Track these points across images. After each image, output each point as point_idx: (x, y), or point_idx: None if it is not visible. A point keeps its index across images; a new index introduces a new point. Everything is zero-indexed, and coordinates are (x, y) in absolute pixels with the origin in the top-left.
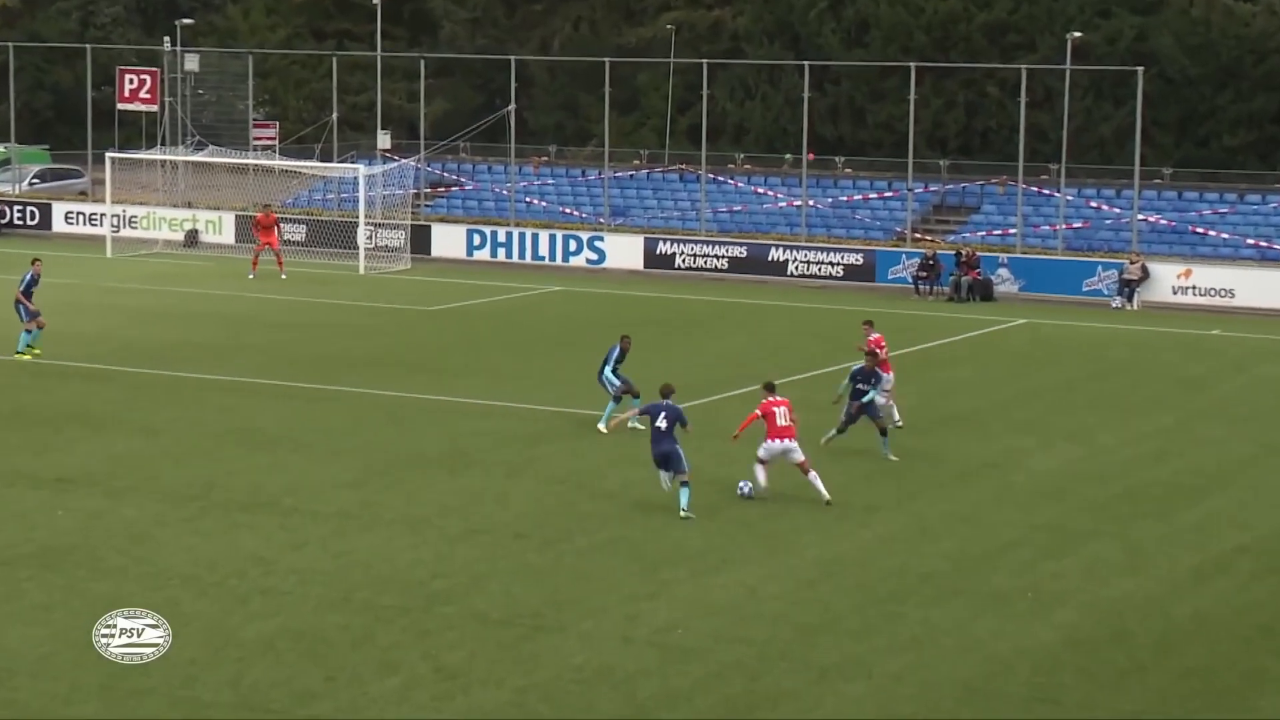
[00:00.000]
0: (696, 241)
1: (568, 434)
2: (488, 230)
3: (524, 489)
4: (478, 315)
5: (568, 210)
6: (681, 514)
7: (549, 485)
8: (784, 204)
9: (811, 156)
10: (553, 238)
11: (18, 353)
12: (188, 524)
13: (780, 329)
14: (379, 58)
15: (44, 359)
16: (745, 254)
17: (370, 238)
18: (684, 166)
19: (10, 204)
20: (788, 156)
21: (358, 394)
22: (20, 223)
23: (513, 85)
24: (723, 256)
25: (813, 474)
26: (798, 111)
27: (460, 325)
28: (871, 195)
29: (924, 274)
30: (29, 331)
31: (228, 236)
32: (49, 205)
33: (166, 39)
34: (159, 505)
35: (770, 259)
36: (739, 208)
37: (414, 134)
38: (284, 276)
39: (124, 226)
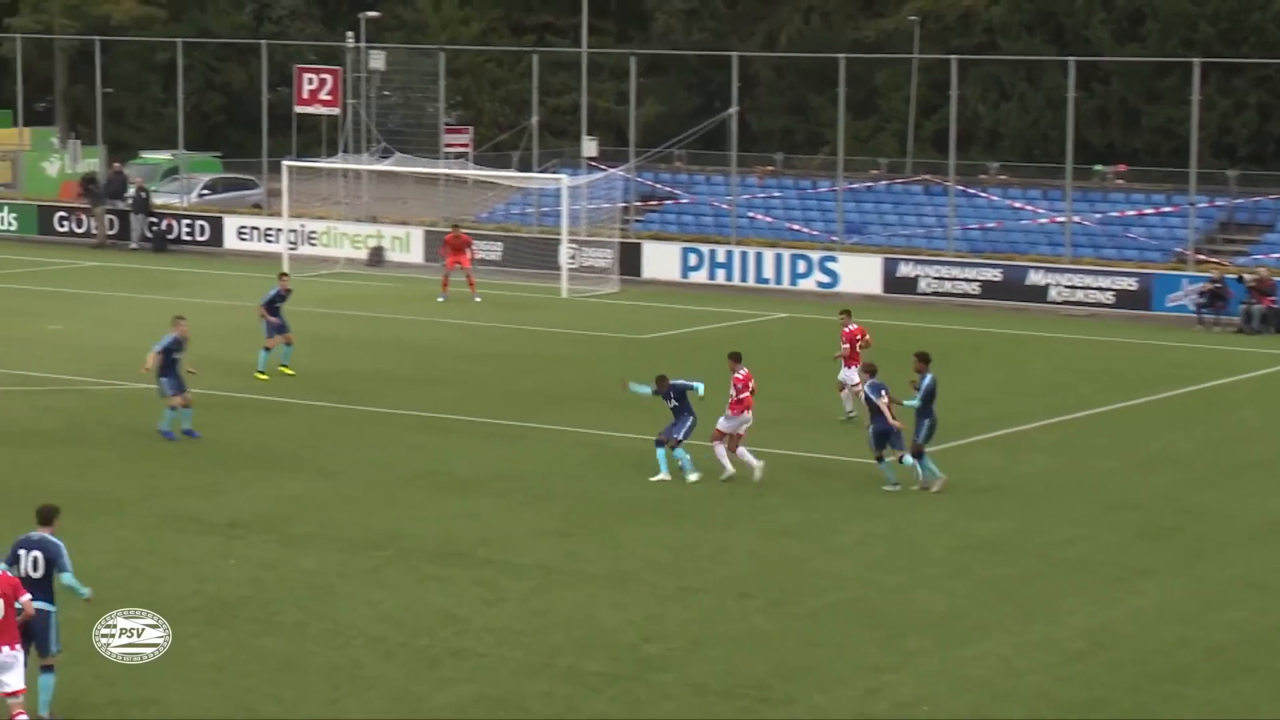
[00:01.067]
0: (943, 263)
1: (795, 480)
2: (705, 249)
3: (746, 542)
4: (694, 345)
5: (796, 227)
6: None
7: (775, 539)
8: (1045, 220)
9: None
10: (779, 258)
11: (258, 372)
12: (371, 576)
13: (1042, 364)
14: (584, 54)
15: (208, 388)
16: (1000, 277)
17: (574, 257)
18: (929, 177)
19: (178, 218)
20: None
21: (560, 432)
22: (189, 238)
23: (734, 85)
24: (974, 280)
25: (743, 449)
26: (1061, 114)
27: (674, 356)
28: (1147, 211)
29: (1209, 301)
30: (267, 350)
31: (415, 254)
32: (220, 219)
33: (349, 34)
34: (339, 555)
35: (1029, 283)
36: (992, 224)
37: (623, 140)
38: (478, 299)
39: (302, 243)
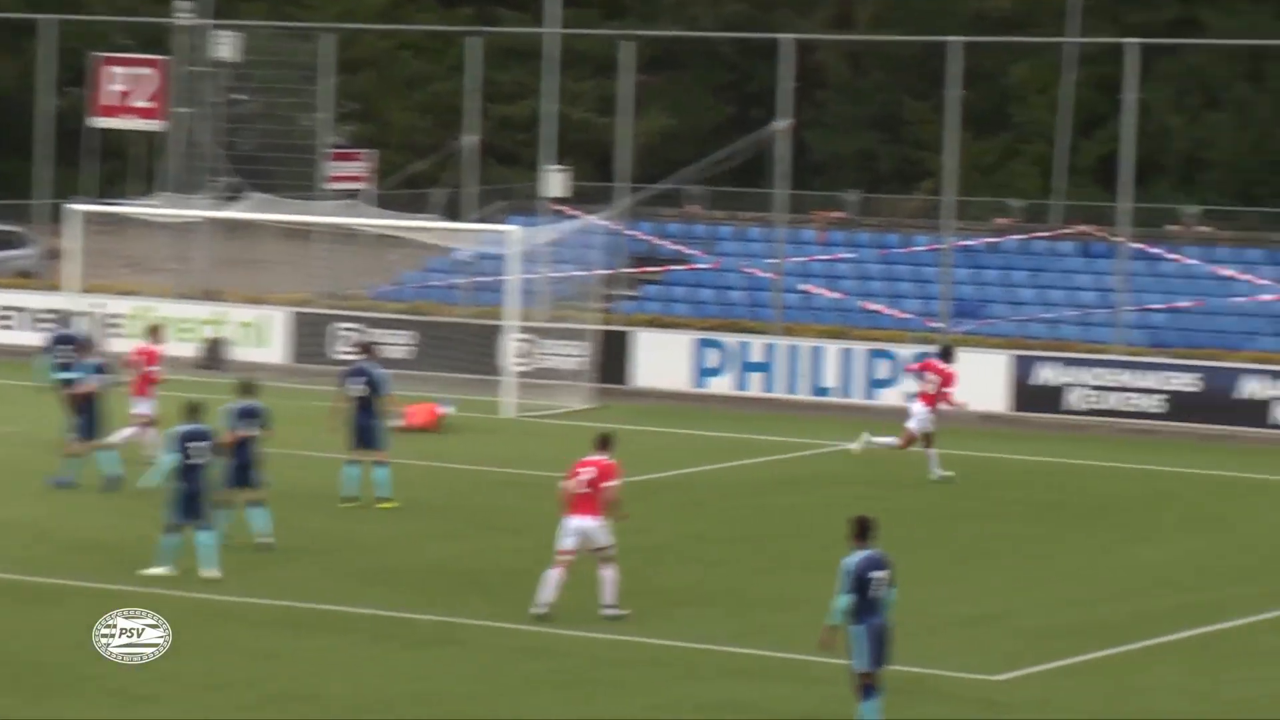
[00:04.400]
0: (1108, 363)
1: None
2: (733, 342)
3: None
4: (713, 494)
5: (876, 307)
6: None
7: None
8: (1270, 298)
9: None
10: (846, 356)
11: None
12: None
13: (1267, 525)
14: (551, 37)
15: None
16: (1199, 386)
17: (526, 355)
18: (1087, 229)
19: None
20: None
21: (481, 630)
22: None
23: (786, 86)
24: (1158, 391)
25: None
26: None
27: (680, 512)
28: None
29: None
30: None
31: (276, 350)
32: None
33: (182, 3)
34: None
35: (1243, 396)
36: (1187, 303)
37: (607, 171)
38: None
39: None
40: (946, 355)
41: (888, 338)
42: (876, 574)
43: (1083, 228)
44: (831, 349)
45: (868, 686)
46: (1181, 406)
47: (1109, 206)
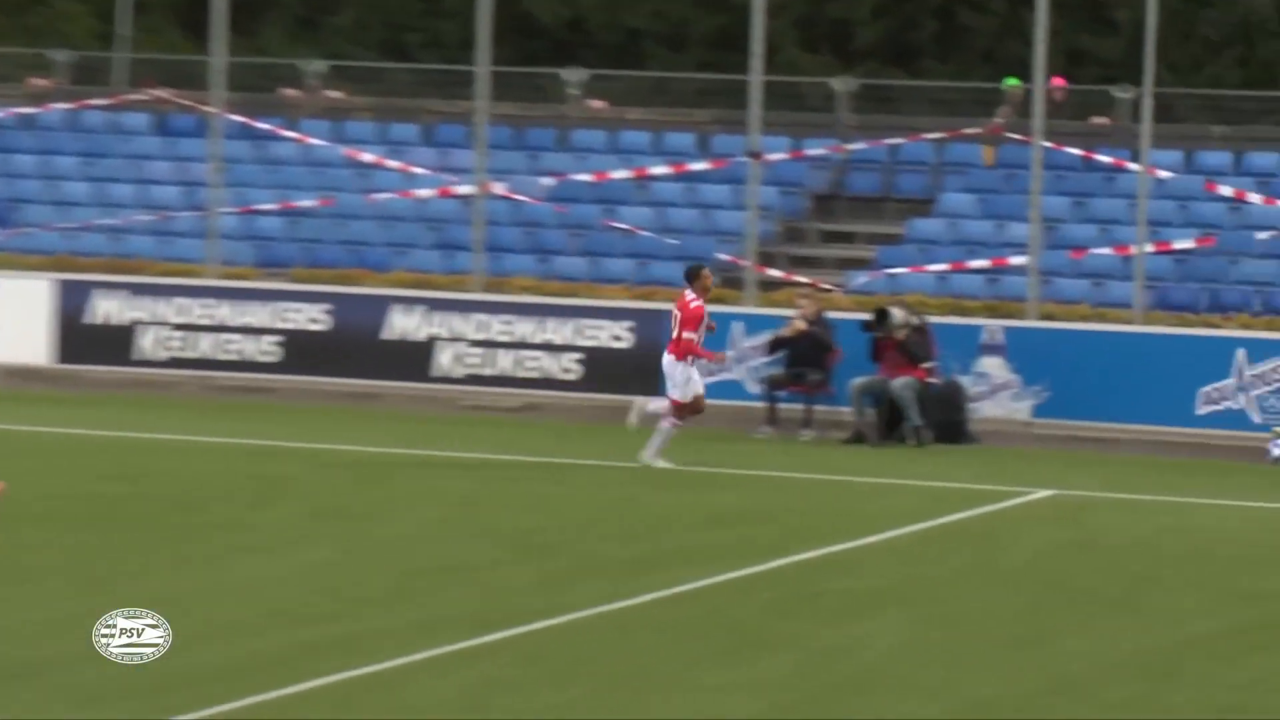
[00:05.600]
0: (195, 291)
1: None
2: None
3: None
4: None
5: None
6: None
7: None
8: (429, 192)
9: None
10: None
11: None
12: None
13: (434, 518)
14: None
15: None
16: (329, 323)
17: None
18: (164, 95)
19: None
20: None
21: None
22: None
23: None
24: (269, 330)
25: None
26: None
27: None
28: (657, 166)
29: (790, 375)
30: None
31: None
32: None
33: None
34: None
35: (394, 336)
36: (310, 201)
37: None
38: None
39: None
40: (690, 278)
41: None
42: None
43: (159, 93)
44: None
45: None
46: (303, 353)
47: (197, 61)
